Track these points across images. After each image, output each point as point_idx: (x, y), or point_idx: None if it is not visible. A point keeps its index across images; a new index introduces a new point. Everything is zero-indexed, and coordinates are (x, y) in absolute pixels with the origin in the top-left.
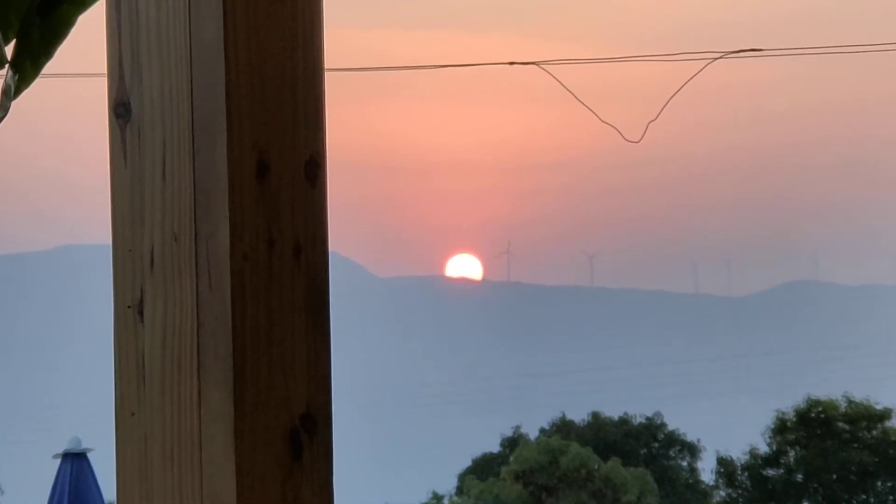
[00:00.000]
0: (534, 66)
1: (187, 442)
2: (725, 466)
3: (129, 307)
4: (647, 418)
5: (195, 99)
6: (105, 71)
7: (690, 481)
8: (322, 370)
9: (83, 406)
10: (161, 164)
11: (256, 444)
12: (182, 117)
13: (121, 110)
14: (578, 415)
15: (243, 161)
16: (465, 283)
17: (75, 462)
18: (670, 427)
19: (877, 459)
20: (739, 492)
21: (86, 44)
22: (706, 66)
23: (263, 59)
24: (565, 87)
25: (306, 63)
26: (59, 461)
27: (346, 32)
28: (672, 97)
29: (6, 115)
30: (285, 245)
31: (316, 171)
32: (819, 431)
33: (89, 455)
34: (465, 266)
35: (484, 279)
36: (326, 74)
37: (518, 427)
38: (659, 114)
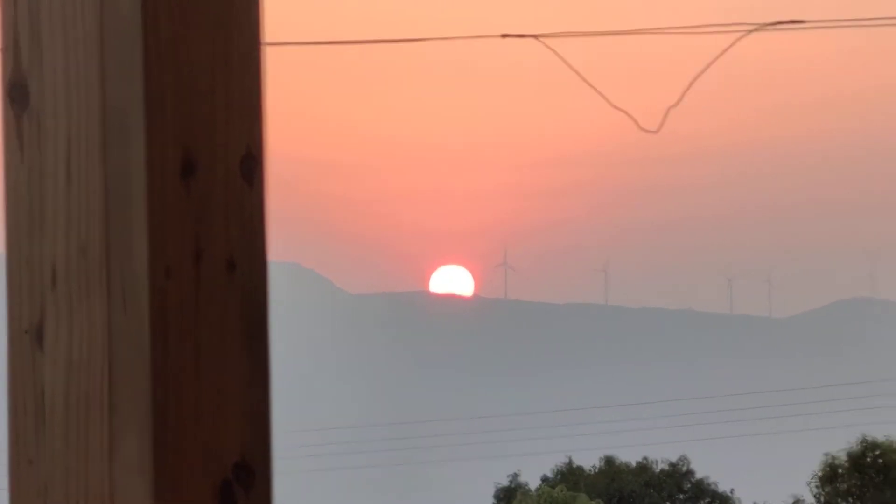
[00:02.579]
0: (531, 40)
1: (96, 497)
2: None
3: (25, 332)
4: (671, 464)
5: (107, 82)
6: None
7: None
8: (260, 409)
9: None
10: (65, 160)
11: (180, 499)
12: (91, 104)
13: (16, 94)
14: (588, 460)
15: (165, 157)
16: (453, 300)
17: None
18: (698, 474)
19: None
20: None
21: None
22: (737, 40)
23: (190, 35)
24: (569, 64)
25: (242, 38)
26: None
27: None
28: (697, 78)
29: None
30: (216, 258)
31: (253, 168)
32: (877, 480)
33: None
34: (453, 280)
35: (476, 295)
36: (268, 51)
37: (515, 475)
38: (681, 98)
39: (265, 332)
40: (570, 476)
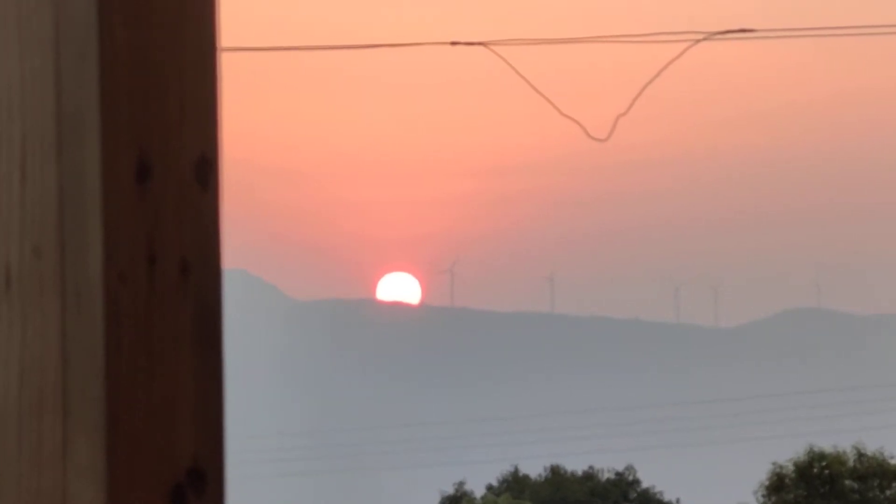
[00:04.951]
0: (480, 48)
1: (48, 501)
2: None
3: None
4: (617, 473)
5: (62, 85)
6: None
7: None
8: (213, 415)
9: None
10: (19, 163)
11: (133, 503)
12: (45, 107)
13: None
14: (534, 468)
15: (120, 161)
16: (399, 307)
17: None
18: (644, 483)
19: None
20: None
21: None
22: (687, 49)
23: (145, 37)
24: (518, 72)
25: (197, 42)
26: None
27: (247, 3)
28: (646, 86)
29: None
30: (170, 262)
31: (207, 173)
32: (823, 490)
33: None
34: (400, 287)
35: (423, 303)
36: (223, 56)
37: (461, 483)
38: (630, 107)
39: (219, 337)
40: (515, 484)
